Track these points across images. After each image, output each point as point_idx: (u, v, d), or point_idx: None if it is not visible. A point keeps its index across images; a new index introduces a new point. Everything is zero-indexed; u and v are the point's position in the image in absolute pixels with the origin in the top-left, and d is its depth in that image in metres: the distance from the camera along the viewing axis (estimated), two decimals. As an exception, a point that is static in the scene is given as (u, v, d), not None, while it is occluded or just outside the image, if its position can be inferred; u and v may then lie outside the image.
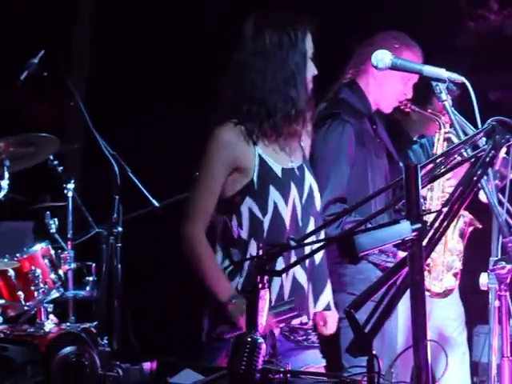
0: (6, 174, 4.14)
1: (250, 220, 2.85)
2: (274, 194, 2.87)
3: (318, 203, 3.01)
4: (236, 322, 2.75)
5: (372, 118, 3.57)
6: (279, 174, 2.90)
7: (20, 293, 4.34)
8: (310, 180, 2.99)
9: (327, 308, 2.98)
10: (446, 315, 4.07)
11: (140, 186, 4.60)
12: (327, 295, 2.97)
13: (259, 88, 2.86)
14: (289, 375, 2.14)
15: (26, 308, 4.34)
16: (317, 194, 3.00)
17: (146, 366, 2.07)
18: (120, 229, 4.26)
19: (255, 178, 2.86)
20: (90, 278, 4.79)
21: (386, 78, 3.45)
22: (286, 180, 2.91)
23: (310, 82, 2.94)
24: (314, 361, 2.95)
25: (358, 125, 3.47)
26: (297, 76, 2.88)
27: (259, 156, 2.87)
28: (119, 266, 4.28)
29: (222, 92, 2.95)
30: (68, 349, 1.93)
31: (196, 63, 5.38)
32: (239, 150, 2.86)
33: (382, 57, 2.67)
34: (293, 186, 2.92)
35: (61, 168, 4.83)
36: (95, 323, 4.38)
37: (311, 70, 2.94)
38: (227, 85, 2.93)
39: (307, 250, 2.66)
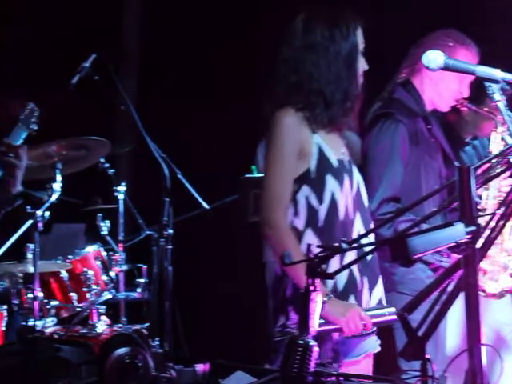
0: (59, 177, 4.20)
1: (307, 209, 2.83)
2: (331, 184, 2.86)
3: (366, 201, 2.99)
4: (334, 322, 2.73)
5: (426, 118, 3.54)
6: (335, 164, 2.89)
7: (73, 294, 4.40)
8: (357, 176, 2.99)
9: (380, 304, 2.97)
10: (500, 319, 4.01)
11: (190, 188, 4.62)
12: (379, 291, 2.96)
13: (316, 80, 2.87)
14: (341, 378, 2.12)
15: (78, 309, 4.40)
16: (364, 192, 2.99)
17: (199, 367, 2.07)
18: (171, 231, 4.28)
19: (312, 166, 2.85)
20: (141, 280, 4.83)
21: (441, 77, 3.41)
22: (341, 171, 2.91)
23: (360, 76, 2.93)
24: (370, 347, 2.93)
25: (411, 124, 3.44)
26: (350, 68, 2.89)
27: (317, 144, 2.87)
28: (170, 267, 4.30)
29: (274, 86, 2.95)
30: (122, 350, 1.95)
31: (248, 64, 5.38)
32: (302, 135, 2.86)
33: (433, 57, 2.64)
34: (346, 177, 2.92)
35: (112, 171, 4.87)
36: (147, 325, 4.43)
37: (362, 65, 2.93)
38: (282, 79, 2.93)
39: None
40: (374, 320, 2.76)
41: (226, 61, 5.64)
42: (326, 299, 2.71)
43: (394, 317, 2.71)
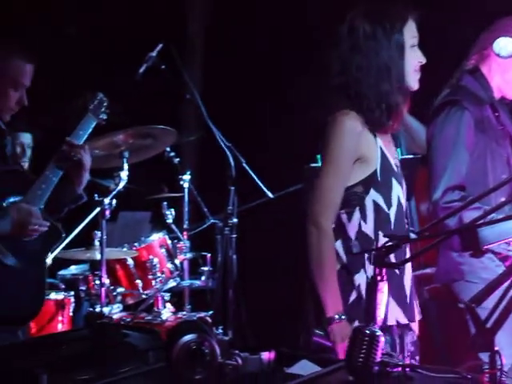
0: (126, 166, 4.25)
1: (376, 213, 2.77)
2: (396, 187, 2.81)
3: None
4: (333, 344, 2.69)
5: (494, 105, 3.47)
6: (394, 167, 2.85)
7: (138, 281, 4.48)
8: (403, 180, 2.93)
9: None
10: None
11: (254, 177, 4.63)
12: None
13: (360, 83, 2.79)
14: (407, 369, 2.11)
15: (143, 296, 4.47)
16: None
17: (265, 355, 2.08)
18: (235, 220, 4.30)
19: (378, 169, 2.79)
20: (205, 268, 4.88)
21: (510, 64, 3.34)
22: (399, 176, 2.86)
23: (413, 71, 2.83)
24: None
25: (477, 112, 3.38)
26: (391, 68, 2.78)
27: (380, 147, 2.81)
28: (234, 256, 4.32)
29: (327, 88, 2.90)
30: (188, 337, 1.96)
31: (312, 53, 5.36)
32: (364, 137, 2.79)
33: (504, 44, 2.59)
34: (403, 183, 2.87)
35: (177, 159, 4.92)
36: (210, 313, 4.47)
37: (415, 59, 2.83)
38: (330, 82, 2.88)
39: None
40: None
41: (290, 48, 5.63)
42: (337, 317, 2.68)
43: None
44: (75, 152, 3.32)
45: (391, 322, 2.73)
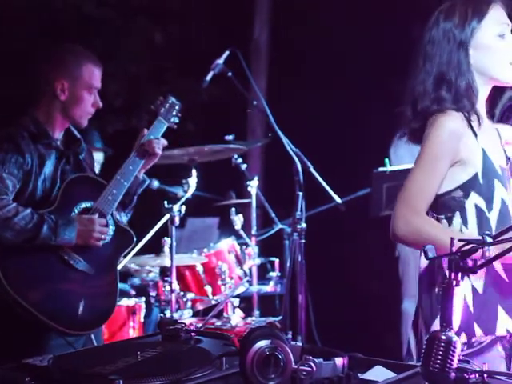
0: (194, 173, 4.28)
1: (478, 217, 2.65)
2: (500, 190, 2.67)
3: None
4: None
5: None
6: (498, 170, 2.70)
7: (207, 287, 4.51)
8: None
9: None
10: None
11: (322, 182, 4.61)
12: None
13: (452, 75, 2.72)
14: (485, 375, 2.06)
15: (213, 302, 4.49)
16: None
17: (338, 361, 2.06)
18: (304, 225, 4.28)
19: (480, 172, 2.65)
20: (274, 274, 4.88)
21: None
22: (504, 177, 2.71)
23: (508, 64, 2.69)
24: None
25: None
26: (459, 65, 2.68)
27: (482, 149, 2.67)
28: (303, 261, 4.31)
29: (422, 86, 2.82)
30: (262, 342, 1.95)
31: (379, 59, 5.33)
32: (464, 140, 2.64)
33: None
34: (507, 185, 2.72)
35: (244, 165, 4.94)
36: (279, 318, 4.46)
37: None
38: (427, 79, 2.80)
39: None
40: None
41: (355, 56, 5.60)
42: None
43: None
44: (152, 148, 3.39)
45: (501, 332, 2.58)
